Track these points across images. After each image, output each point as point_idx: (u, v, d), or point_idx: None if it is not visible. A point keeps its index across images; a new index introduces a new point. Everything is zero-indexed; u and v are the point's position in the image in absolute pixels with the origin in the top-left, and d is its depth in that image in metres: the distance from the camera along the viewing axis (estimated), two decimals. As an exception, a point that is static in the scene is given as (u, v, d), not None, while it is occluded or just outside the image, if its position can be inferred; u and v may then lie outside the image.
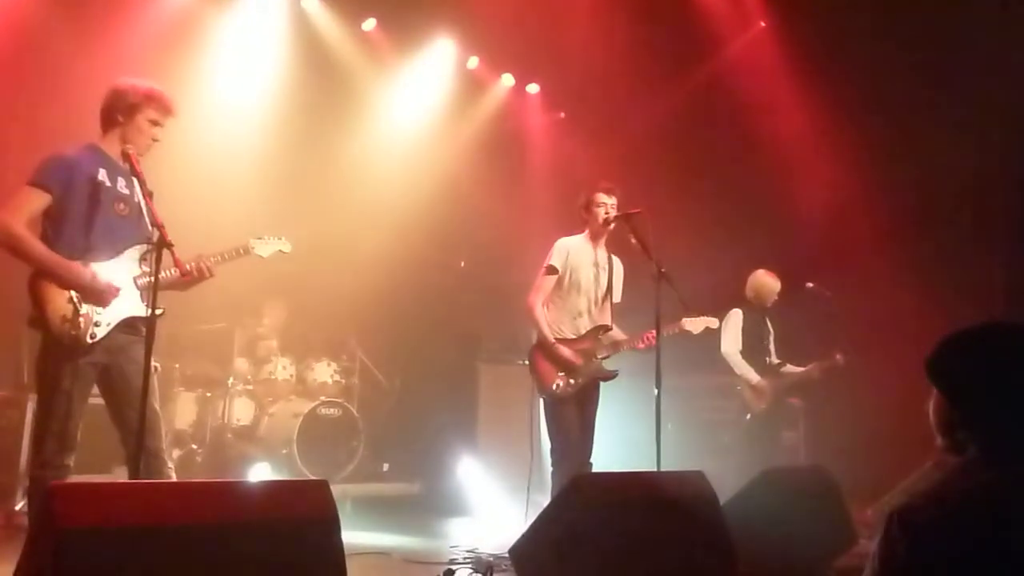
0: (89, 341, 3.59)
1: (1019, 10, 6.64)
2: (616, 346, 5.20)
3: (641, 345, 5.20)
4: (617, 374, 5.20)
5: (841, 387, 6.89)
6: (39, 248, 3.57)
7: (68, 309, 3.55)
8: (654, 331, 5.11)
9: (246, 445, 7.09)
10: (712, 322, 5.38)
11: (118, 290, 3.69)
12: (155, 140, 3.86)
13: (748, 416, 6.52)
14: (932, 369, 1.91)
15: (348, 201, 8.17)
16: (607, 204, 5.18)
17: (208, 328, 7.27)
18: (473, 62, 9.09)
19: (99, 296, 3.63)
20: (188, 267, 3.78)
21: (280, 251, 4.25)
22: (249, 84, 7.81)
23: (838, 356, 6.59)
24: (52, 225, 3.62)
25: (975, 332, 1.90)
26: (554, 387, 5.03)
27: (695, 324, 5.27)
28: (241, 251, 4.06)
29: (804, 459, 6.92)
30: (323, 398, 7.17)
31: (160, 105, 3.84)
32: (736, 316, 6.65)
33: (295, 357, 7.60)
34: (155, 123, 3.83)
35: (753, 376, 6.46)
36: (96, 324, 3.62)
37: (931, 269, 7.22)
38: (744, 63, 8.37)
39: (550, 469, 5.08)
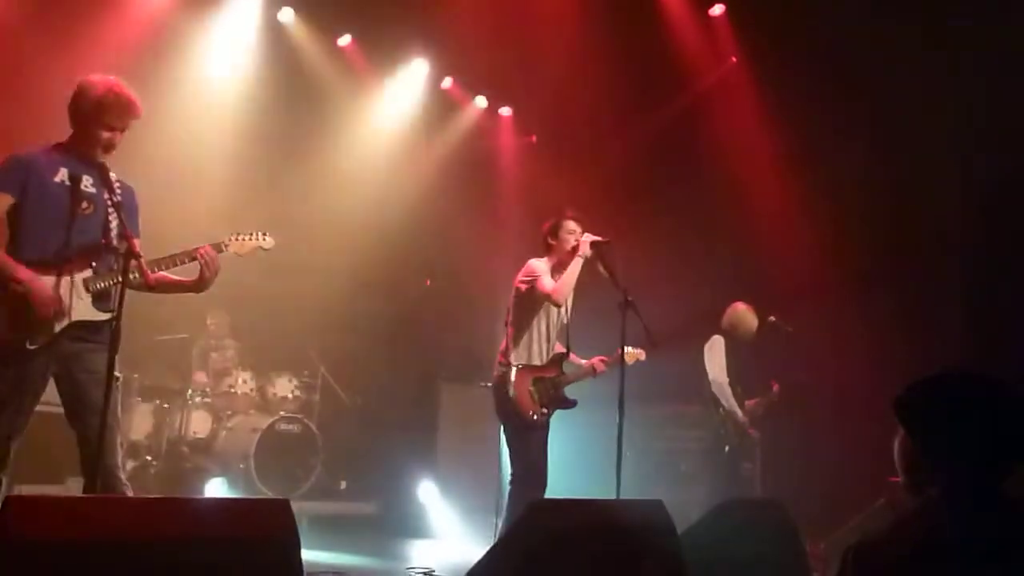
0: (29, 347, 3.41)
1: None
2: (579, 375, 5.23)
3: (597, 372, 5.26)
4: (576, 403, 5.22)
5: (797, 420, 6.95)
6: None
7: (6, 312, 3.40)
8: (602, 358, 5.23)
9: (202, 459, 7.00)
10: (640, 354, 5.36)
11: (61, 305, 3.47)
12: (111, 144, 3.67)
13: (727, 448, 6.42)
14: (901, 410, 1.97)
15: (314, 214, 8.13)
16: (576, 232, 5.20)
17: (168, 338, 7.17)
18: (447, 82, 9.14)
19: (42, 302, 3.42)
20: (153, 277, 3.62)
21: (260, 248, 3.91)
22: (221, 93, 7.74)
23: (775, 387, 6.62)
24: (12, 227, 3.54)
25: (944, 378, 1.96)
26: (532, 416, 5.02)
27: (628, 356, 5.21)
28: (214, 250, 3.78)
29: (761, 491, 6.97)
30: (283, 413, 7.10)
31: (115, 110, 3.63)
32: (719, 343, 6.50)
33: (256, 371, 7.51)
34: (110, 127, 3.64)
35: (739, 412, 6.39)
36: (40, 331, 3.44)
37: (893, 309, 7.31)
38: (716, 97, 8.50)
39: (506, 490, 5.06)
